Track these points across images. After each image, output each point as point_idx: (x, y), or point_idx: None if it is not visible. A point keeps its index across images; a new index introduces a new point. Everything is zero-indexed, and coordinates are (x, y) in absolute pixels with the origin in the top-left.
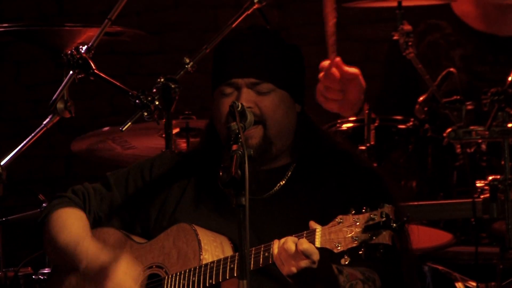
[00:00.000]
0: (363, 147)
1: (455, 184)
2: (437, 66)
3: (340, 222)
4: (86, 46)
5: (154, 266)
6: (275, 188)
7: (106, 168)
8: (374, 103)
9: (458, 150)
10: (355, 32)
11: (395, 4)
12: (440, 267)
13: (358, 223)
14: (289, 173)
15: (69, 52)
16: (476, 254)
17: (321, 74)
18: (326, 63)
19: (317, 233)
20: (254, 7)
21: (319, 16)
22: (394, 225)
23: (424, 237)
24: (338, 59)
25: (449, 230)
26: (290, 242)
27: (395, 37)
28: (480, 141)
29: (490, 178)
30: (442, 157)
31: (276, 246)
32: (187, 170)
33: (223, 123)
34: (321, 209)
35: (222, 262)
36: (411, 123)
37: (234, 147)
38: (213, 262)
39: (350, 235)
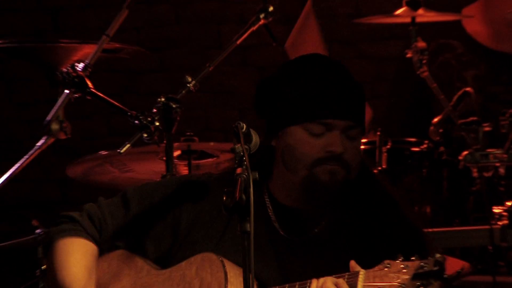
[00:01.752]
0: (375, 171)
1: (472, 210)
2: (449, 87)
3: (386, 267)
4: (82, 64)
5: None
6: (314, 230)
7: (103, 192)
8: (383, 125)
9: (475, 174)
10: (366, 49)
11: (408, 20)
12: None
13: (406, 270)
14: (331, 215)
15: (65, 70)
16: (494, 283)
17: None
18: None
19: (360, 276)
20: (260, 23)
21: (328, 32)
22: (446, 276)
23: None
24: None
25: (465, 259)
26: (329, 283)
27: (408, 55)
28: (498, 164)
29: (509, 203)
30: (458, 181)
31: (314, 285)
32: (217, 197)
33: (305, 165)
34: (361, 256)
35: None
36: (425, 146)
37: (239, 170)
38: None
39: (396, 281)
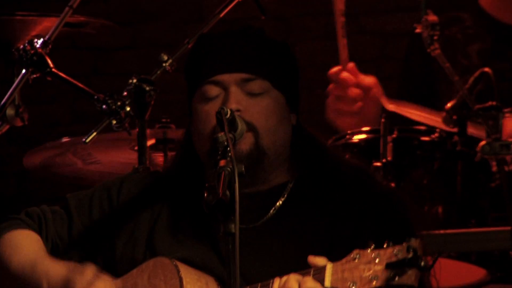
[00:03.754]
0: (378, 164)
1: (490, 209)
2: (452, 63)
3: (356, 258)
4: (42, 40)
5: None
6: (268, 214)
7: (64, 186)
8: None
9: (494, 168)
10: (369, 24)
11: None
12: None
13: (378, 260)
14: (286, 194)
15: (22, 46)
16: None
17: (330, 86)
18: (335, 69)
19: (327, 270)
20: None
21: (325, 5)
22: (423, 263)
23: (452, 273)
24: (351, 65)
25: (482, 265)
26: (292, 281)
27: (417, 30)
28: None
29: None
30: (474, 176)
31: (276, 285)
32: (162, 192)
33: (207, 136)
34: (326, 240)
35: None
36: (436, 135)
37: (222, 162)
38: None
39: (368, 273)
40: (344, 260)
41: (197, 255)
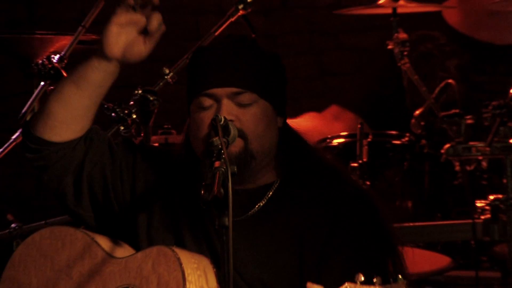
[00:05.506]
0: (355, 164)
1: (454, 204)
2: (431, 78)
3: None
4: (58, 56)
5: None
6: (253, 209)
7: None
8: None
9: (457, 168)
10: (346, 41)
11: (389, 11)
12: None
13: None
14: (270, 193)
15: (40, 61)
16: (477, 279)
17: None
18: None
19: None
20: (239, 14)
21: (308, 24)
22: None
23: (421, 261)
24: None
25: (447, 253)
26: None
27: (389, 47)
28: (480, 158)
29: (491, 197)
30: (439, 175)
31: None
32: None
33: (202, 140)
34: (302, 234)
35: None
36: (406, 139)
37: (217, 164)
38: None
39: None
40: None
41: (193, 247)
